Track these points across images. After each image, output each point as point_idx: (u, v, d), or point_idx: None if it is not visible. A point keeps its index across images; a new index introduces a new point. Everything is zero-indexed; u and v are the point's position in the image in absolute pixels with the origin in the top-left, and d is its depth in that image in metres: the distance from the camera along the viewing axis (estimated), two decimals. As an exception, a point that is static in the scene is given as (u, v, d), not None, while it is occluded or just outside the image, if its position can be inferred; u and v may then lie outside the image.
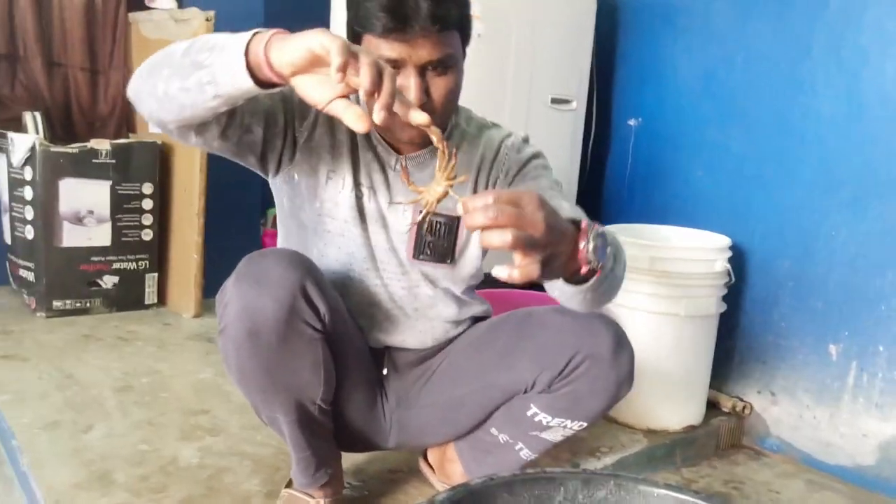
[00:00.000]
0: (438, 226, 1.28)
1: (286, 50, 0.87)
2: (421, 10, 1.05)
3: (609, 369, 1.19)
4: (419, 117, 0.89)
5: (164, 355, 2.19)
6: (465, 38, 1.18)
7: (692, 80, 2.32)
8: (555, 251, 0.85)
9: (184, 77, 0.96)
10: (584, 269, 0.91)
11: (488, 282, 2.17)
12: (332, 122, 1.24)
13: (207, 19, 2.47)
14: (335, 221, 1.27)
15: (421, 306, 1.34)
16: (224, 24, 2.57)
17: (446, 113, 1.19)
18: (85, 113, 2.82)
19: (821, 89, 1.98)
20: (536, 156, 1.31)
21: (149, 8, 2.75)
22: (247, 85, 0.92)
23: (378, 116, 0.84)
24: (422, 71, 1.11)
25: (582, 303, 1.06)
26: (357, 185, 1.26)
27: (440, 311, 1.36)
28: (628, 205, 2.52)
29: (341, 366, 1.24)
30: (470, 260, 1.33)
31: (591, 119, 2.53)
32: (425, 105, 1.11)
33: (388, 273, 1.31)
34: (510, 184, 1.28)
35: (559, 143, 2.38)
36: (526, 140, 1.33)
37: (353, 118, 0.86)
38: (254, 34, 0.92)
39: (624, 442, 1.89)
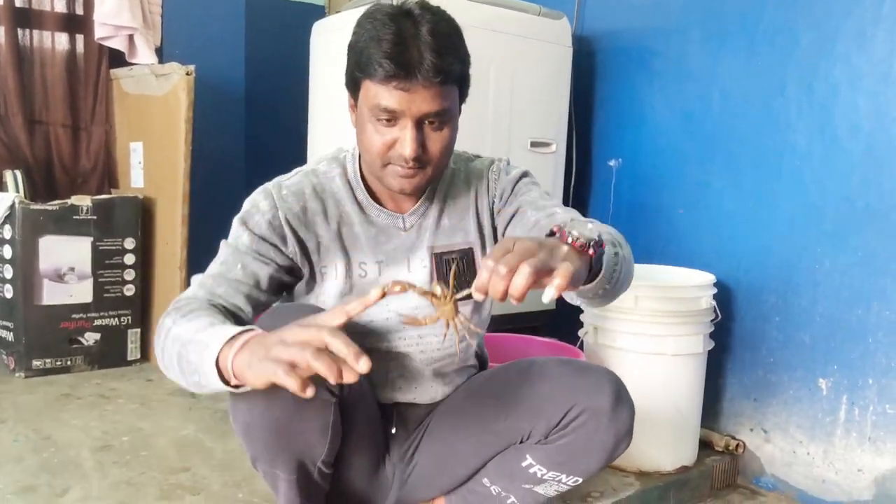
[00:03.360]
0: (458, 262, 1.29)
1: (250, 384, 0.89)
2: (424, 60, 1.05)
3: (608, 424, 1.18)
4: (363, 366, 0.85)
5: (145, 412, 2.15)
6: (463, 95, 1.18)
7: (670, 120, 2.34)
8: (560, 254, 0.91)
9: (197, 388, 1.01)
10: (591, 252, 0.96)
11: (492, 326, 2.15)
12: (308, 222, 1.23)
13: (188, 73, 2.50)
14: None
15: (439, 367, 1.33)
16: (205, 77, 2.60)
17: (440, 166, 1.19)
18: (67, 169, 2.83)
19: (795, 124, 2.00)
20: (524, 174, 1.33)
21: (130, 64, 2.78)
22: (237, 390, 0.96)
23: (362, 367, 0.82)
24: (419, 123, 1.11)
25: (610, 293, 1.08)
26: (358, 267, 1.25)
27: (456, 370, 1.36)
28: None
29: (349, 428, 1.22)
30: None
31: (571, 161, 2.54)
32: (420, 157, 1.12)
33: (408, 337, 1.29)
34: (506, 203, 1.30)
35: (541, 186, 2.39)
36: (508, 163, 1.36)
37: (347, 377, 0.83)
38: (217, 356, 0.93)
39: (615, 486, 1.85)
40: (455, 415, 1.33)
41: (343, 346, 0.83)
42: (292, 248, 1.21)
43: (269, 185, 1.24)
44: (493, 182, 1.31)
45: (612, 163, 2.52)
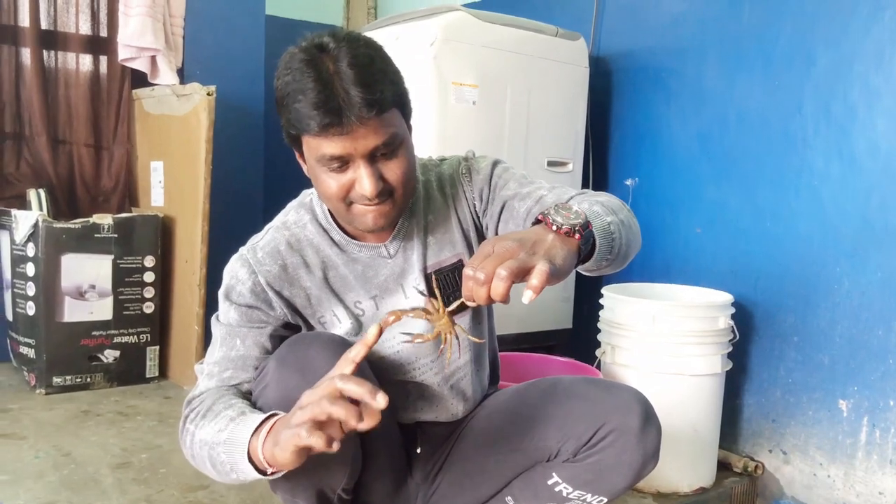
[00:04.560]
0: (450, 276, 1.26)
1: (284, 463, 0.92)
2: (353, 99, 1.00)
3: (637, 443, 1.17)
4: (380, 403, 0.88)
5: (164, 429, 2.16)
6: (406, 112, 1.13)
7: (687, 139, 2.35)
8: (543, 247, 0.93)
9: (237, 483, 1.05)
10: (577, 237, 0.96)
11: (509, 345, 2.16)
12: (291, 278, 1.20)
13: (209, 94, 2.53)
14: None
15: (455, 382, 1.32)
16: (225, 98, 2.64)
17: (407, 190, 1.14)
18: (89, 188, 2.87)
19: (812, 143, 2.00)
20: (495, 165, 1.27)
21: (152, 84, 2.82)
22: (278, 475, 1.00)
23: (380, 403, 0.86)
24: (370, 158, 1.06)
25: (615, 262, 1.08)
26: (354, 307, 1.23)
27: (472, 381, 1.34)
28: (628, 264, 2.51)
29: (369, 453, 1.21)
30: None
31: (588, 180, 2.55)
32: (383, 189, 1.09)
33: (423, 360, 1.28)
34: (488, 202, 1.26)
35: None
36: (473, 156, 1.31)
37: (368, 420, 0.87)
38: (248, 449, 0.97)
39: (633, 507, 1.84)
40: (480, 434, 1.32)
41: (356, 387, 0.86)
42: (280, 310, 1.20)
43: (243, 250, 1.22)
44: (466, 185, 1.27)
45: (628, 182, 2.53)
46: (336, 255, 1.22)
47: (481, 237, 1.30)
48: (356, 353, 0.91)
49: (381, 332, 0.92)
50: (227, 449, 1.00)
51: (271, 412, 1.00)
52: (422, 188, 1.27)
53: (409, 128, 1.15)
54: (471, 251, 1.28)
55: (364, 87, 1.01)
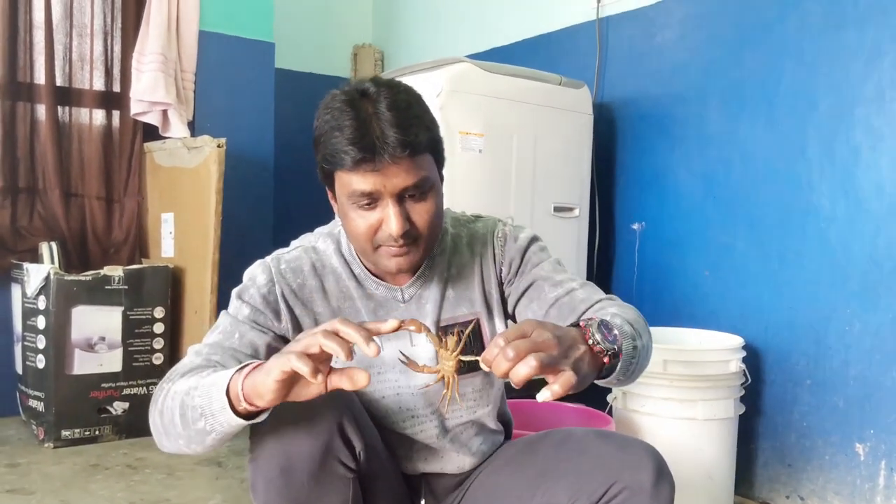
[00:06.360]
0: (461, 334, 1.25)
1: (264, 391, 0.89)
2: (388, 138, 1.03)
3: (649, 501, 1.14)
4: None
5: (172, 482, 2.14)
6: (439, 160, 1.15)
7: (692, 183, 2.37)
8: (575, 355, 0.92)
9: (200, 442, 1.00)
10: (606, 360, 0.96)
11: (517, 392, 2.14)
12: (305, 299, 1.21)
13: (219, 146, 2.57)
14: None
15: (454, 436, 1.30)
16: (235, 150, 2.68)
17: (433, 236, 1.15)
18: (100, 241, 2.90)
19: (817, 186, 2.01)
20: (533, 240, 1.28)
21: (163, 137, 2.87)
22: (247, 423, 0.96)
23: (371, 350, 0.86)
24: (399, 198, 1.08)
25: (623, 382, 1.07)
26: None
27: (474, 437, 1.32)
28: (637, 308, 2.51)
29: (372, 500, 1.19)
30: None
31: (594, 225, 2.56)
32: (409, 232, 1.10)
33: (422, 411, 1.27)
34: (516, 273, 1.26)
35: (564, 250, 2.41)
36: (512, 222, 1.32)
37: (354, 379, 0.88)
38: (227, 384, 0.94)
39: (650, 556, 1.79)
40: (489, 488, 1.29)
41: (353, 331, 0.86)
42: (286, 324, 1.19)
43: (268, 259, 1.23)
44: (498, 249, 1.27)
45: (635, 226, 2.54)
46: (354, 288, 1.23)
47: (503, 303, 1.29)
48: (367, 323, 0.91)
49: (398, 328, 0.92)
50: (204, 391, 0.96)
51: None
52: (450, 241, 1.27)
53: (441, 177, 1.17)
54: (489, 312, 1.27)
55: (399, 128, 1.04)
